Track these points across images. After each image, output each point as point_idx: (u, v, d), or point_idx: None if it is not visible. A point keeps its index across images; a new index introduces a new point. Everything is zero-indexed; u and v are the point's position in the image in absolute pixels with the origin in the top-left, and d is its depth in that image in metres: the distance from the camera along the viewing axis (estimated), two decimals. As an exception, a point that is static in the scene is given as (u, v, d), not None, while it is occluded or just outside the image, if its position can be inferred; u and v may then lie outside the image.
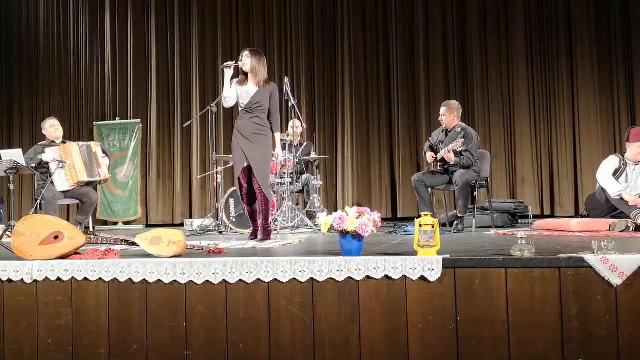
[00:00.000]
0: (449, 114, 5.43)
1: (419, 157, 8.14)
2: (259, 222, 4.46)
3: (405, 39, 8.34)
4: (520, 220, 6.23)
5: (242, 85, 4.43)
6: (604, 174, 5.12)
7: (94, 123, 9.19)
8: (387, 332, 2.66)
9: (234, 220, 6.12)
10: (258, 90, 4.37)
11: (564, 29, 7.83)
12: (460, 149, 5.10)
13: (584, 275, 2.53)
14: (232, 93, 4.44)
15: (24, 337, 3.00)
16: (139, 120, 9.02)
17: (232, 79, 4.50)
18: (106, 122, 9.14)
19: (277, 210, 6.01)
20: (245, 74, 4.42)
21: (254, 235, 4.53)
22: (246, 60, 4.35)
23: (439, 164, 5.44)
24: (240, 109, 4.47)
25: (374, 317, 2.67)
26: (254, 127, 4.38)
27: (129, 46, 9.23)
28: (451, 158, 5.17)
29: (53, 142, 5.79)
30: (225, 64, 4.47)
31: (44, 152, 5.60)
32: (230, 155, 6.49)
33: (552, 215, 7.51)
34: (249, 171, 4.42)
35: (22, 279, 2.99)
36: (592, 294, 2.52)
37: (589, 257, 2.53)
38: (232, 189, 6.31)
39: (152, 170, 9.06)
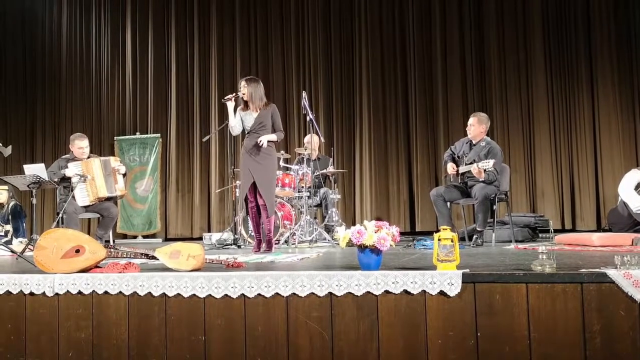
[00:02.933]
0: (478, 126, 5.38)
1: (437, 170, 8.10)
2: (262, 235, 4.92)
3: (422, 52, 8.34)
4: (540, 235, 6.16)
5: (245, 111, 4.88)
6: (626, 188, 5.05)
7: (115, 138, 9.31)
8: (407, 347, 2.64)
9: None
10: (260, 113, 4.82)
11: (583, 40, 7.78)
12: (490, 169, 5.05)
13: (607, 291, 2.49)
14: (237, 122, 4.88)
15: (45, 350, 3.02)
16: (158, 135, 9.12)
17: (234, 108, 4.92)
18: (126, 137, 9.26)
19: (295, 224, 6.01)
20: (245, 101, 4.87)
21: (257, 248, 4.88)
22: (244, 90, 4.82)
23: (459, 176, 5.40)
24: (246, 132, 4.89)
25: (393, 332, 2.65)
26: (260, 148, 4.78)
27: (149, 62, 9.37)
28: (481, 174, 5.12)
29: (76, 157, 5.88)
30: (225, 97, 4.92)
31: (67, 167, 5.69)
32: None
33: (573, 230, 7.42)
34: (255, 188, 4.81)
35: (44, 292, 3.03)
36: (615, 309, 2.47)
37: (611, 272, 2.49)
38: (251, 202, 6.34)
39: (172, 184, 9.14)
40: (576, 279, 2.52)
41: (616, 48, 7.64)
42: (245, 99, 4.83)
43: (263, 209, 4.79)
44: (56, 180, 5.67)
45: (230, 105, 4.85)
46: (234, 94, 4.88)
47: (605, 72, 7.65)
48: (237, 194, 6.44)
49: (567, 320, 2.51)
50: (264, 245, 4.89)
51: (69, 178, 5.65)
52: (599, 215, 7.52)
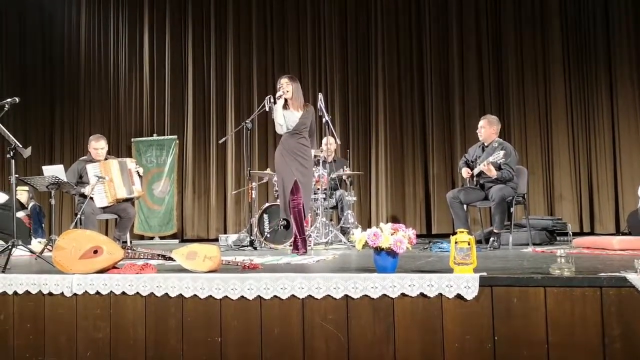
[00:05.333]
0: (489, 127, 5.37)
1: (454, 173, 8.05)
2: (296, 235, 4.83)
3: (439, 53, 8.30)
4: (558, 238, 6.09)
5: (285, 110, 4.75)
6: (646, 191, 4.99)
7: (132, 139, 9.38)
8: (423, 350, 2.62)
9: (268, 235, 6.15)
10: (303, 113, 4.73)
11: (602, 41, 7.68)
12: (501, 160, 5.02)
13: (627, 295, 2.45)
14: (284, 121, 4.74)
15: (63, 350, 3.05)
16: (175, 137, 9.18)
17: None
18: (144, 139, 9.33)
19: (311, 226, 6.01)
20: (285, 100, 4.74)
21: (303, 248, 4.76)
22: (287, 88, 4.71)
23: (474, 179, 5.37)
24: (285, 130, 4.76)
25: (409, 335, 2.64)
26: (301, 148, 4.73)
27: (167, 64, 9.44)
28: (491, 171, 5.09)
29: (93, 158, 5.94)
30: (278, 95, 4.75)
31: (85, 169, 5.73)
32: (265, 171, 6.59)
33: (591, 233, 7.33)
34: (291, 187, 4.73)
35: (62, 292, 3.05)
36: (636, 314, 2.44)
37: (631, 277, 2.46)
38: (267, 204, 6.35)
39: (188, 186, 9.19)
40: (595, 283, 2.49)
41: (635, 48, 7.53)
42: (287, 96, 4.73)
43: (298, 208, 4.79)
44: (76, 192, 5.77)
45: (280, 102, 4.75)
46: (281, 92, 4.77)
47: (624, 73, 7.54)
48: (254, 196, 6.45)
49: (586, 324, 2.48)
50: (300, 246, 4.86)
51: (86, 184, 5.72)
52: (617, 219, 7.41)
